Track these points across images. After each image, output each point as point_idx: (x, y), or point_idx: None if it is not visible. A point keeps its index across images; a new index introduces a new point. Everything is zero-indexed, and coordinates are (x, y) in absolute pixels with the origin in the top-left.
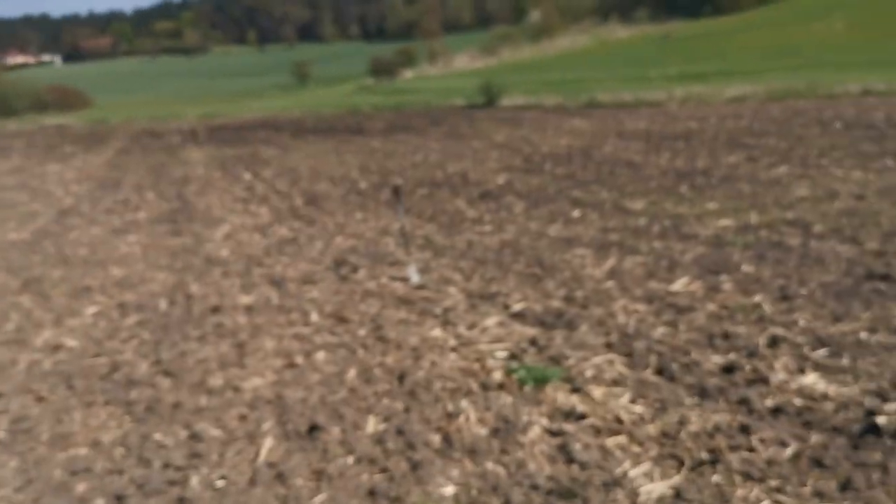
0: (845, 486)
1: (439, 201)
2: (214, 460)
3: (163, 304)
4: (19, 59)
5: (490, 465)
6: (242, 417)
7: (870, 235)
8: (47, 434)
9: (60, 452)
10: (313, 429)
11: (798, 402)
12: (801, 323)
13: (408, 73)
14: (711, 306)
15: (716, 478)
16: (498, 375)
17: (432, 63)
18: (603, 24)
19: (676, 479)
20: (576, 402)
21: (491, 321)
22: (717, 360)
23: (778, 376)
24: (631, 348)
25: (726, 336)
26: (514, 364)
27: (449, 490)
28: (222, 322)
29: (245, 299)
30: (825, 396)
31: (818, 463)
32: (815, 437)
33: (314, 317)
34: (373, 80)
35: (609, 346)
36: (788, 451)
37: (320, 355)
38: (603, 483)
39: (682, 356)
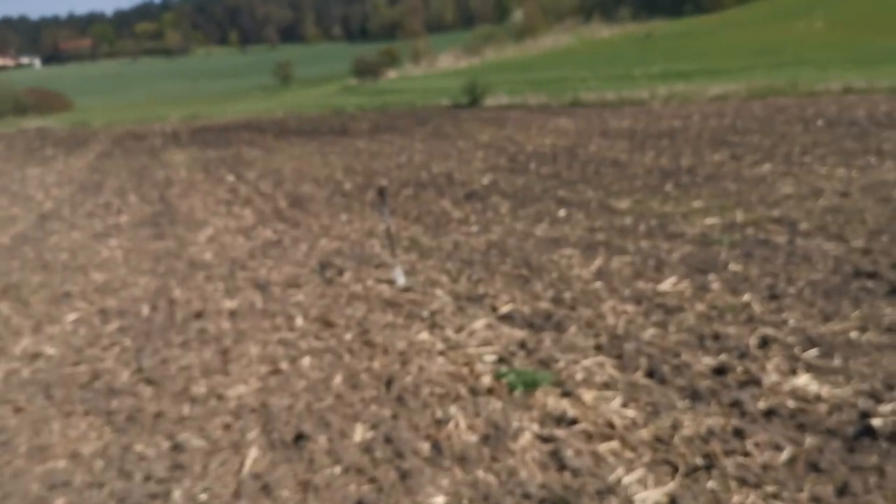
0: (842, 490)
1: (425, 202)
2: (197, 472)
3: (145, 310)
4: None
5: (481, 474)
6: (226, 427)
7: (855, 233)
8: (25, 446)
9: (38, 465)
10: (299, 438)
11: (791, 403)
12: (791, 323)
13: (391, 74)
14: (700, 306)
15: (711, 484)
16: (487, 380)
17: (416, 63)
18: (586, 23)
19: (671, 486)
20: (566, 407)
21: (479, 324)
22: (707, 361)
23: (770, 378)
24: (621, 350)
25: (716, 337)
26: (504, 368)
27: (439, 500)
28: (206, 328)
29: (229, 304)
30: (818, 398)
31: (814, 467)
32: (809, 440)
33: (299, 321)
34: (356, 80)
35: (599, 349)
36: (784, 456)
37: (306, 361)
38: (596, 491)
39: (672, 358)
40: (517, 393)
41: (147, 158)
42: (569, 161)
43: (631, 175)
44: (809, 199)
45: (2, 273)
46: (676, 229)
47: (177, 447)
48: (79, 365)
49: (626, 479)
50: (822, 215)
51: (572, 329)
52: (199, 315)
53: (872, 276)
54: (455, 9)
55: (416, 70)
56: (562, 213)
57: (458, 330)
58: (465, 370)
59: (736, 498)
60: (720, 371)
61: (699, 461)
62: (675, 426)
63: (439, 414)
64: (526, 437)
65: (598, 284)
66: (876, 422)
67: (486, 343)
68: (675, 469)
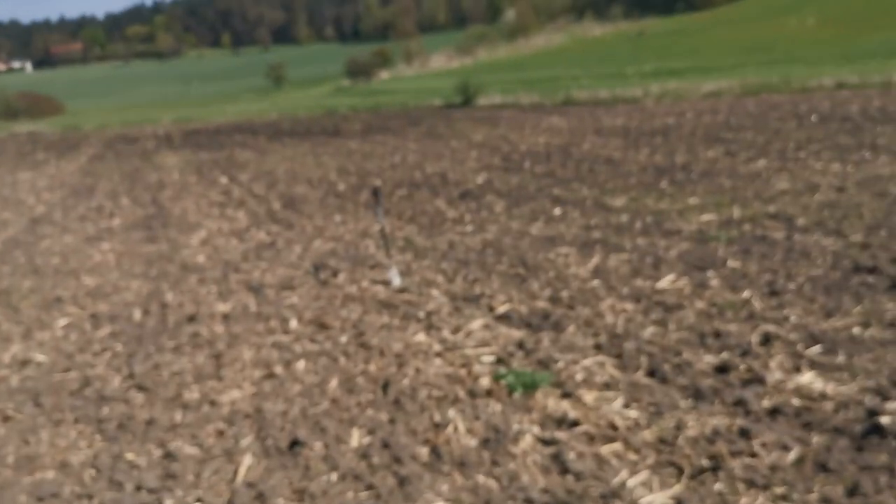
0: (853, 491)
1: (419, 202)
2: (190, 481)
3: (137, 314)
4: None
5: (481, 479)
6: (220, 433)
7: (853, 227)
8: (13, 456)
9: (26, 476)
10: (294, 444)
11: (796, 402)
12: (793, 319)
13: (384, 74)
14: (700, 304)
15: (718, 486)
16: (485, 382)
17: (409, 63)
18: (578, 22)
19: (677, 489)
20: (567, 408)
21: (476, 324)
22: (709, 359)
23: (774, 376)
24: (621, 349)
25: (717, 334)
26: (502, 369)
27: None
28: (198, 331)
29: (222, 307)
30: (824, 396)
31: (823, 467)
32: (816, 440)
33: (293, 324)
34: (349, 81)
35: (598, 348)
36: (791, 456)
37: (300, 364)
38: (600, 495)
39: (673, 356)
40: (517, 394)
41: (139, 161)
42: (563, 159)
43: (625, 173)
44: (805, 194)
45: None
46: (673, 226)
47: (169, 455)
48: (69, 371)
49: (631, 482)
50: (819, 210)
51: (571, 328)
52: (191, 319)
53: (872, 270)
54: (447, 9)
55: (408, 70)
56: (557, 211)
57: (455, 331)
58: (462, 372)
59: (744, 500)
60: (723, 369)
61: (705, 462)
62: (679, 427)
63: (437, 417)
64: (527, 440)
65: (595, 283)
66: (884, 419)
67: (484, 344)
68: (681, 471)
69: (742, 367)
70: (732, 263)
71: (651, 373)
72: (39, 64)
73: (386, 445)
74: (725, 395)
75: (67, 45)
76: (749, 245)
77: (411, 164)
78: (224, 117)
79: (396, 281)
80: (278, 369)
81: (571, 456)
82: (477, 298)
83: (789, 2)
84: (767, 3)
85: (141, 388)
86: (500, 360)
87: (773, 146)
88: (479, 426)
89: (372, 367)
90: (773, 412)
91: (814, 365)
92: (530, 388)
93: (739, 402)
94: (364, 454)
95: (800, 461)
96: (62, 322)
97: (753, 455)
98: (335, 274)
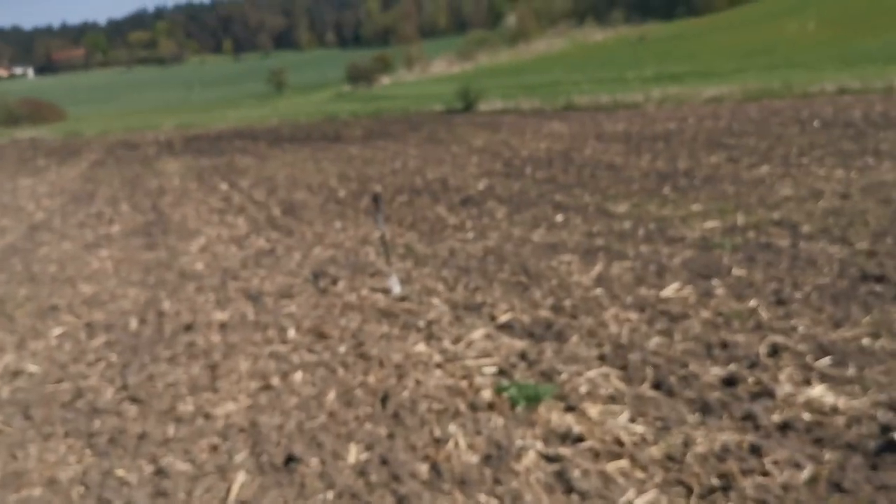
0: None
1: (420, 208)
2: (181, 499)
3: (133, 323)
4: None
5: (483, 498)
6: (213, 448)
7: (859, 235)
8: None
9: (12, 494)
10: (290, 460)
11: (807, 416)
12: (801, 329)
13: (385, 80)
14: (705, 313)
15: None
16: (487, 394)
17: (409, 69)
18: (578, 27)
19: None
20: (571, 423)
21: (477, 334)
22: (716, 371)
23: (783, 389)
24: (625, 361)
25: (724, 345)
26: (504, 381)
27: None
28: (195, 341)
29: (219, 315)
30: (835, 410)
31: (837, 486)
32: (829, 457)
33: (291, 333)
34: (350, 86)
35: (602, 359)
36: (804, 474)
37: (298, 376)
38: None
39: (679, 368)
40: (519, 408)
41: (140, 167)
42: (564, 165)
43: (627, 178)
44: (809, 200)
45: None
46: (676, 233)
47: (160, 472)
48: (61, 382)
49: (638, 502)
50: (824, 217)
51: (574, 339)
52: (188, 328)
53: (880, 279)
54: (448, 14)
55: (409, 76)
56: (559, 217)
57: (456, 341)
58: (463, 384)
59: None
60: (730, 382)
61: (715, 482)
62: (687, 443)
63: (438, 432)
64: (530, 457)
65: (598, 291)
66: None
67: (486, 354)
68: (690, 490)
69: (750, 379)
70: (737, 271)
71: (657, 385)
72: (41, 70)
73: (384, 462)
74: (734, 409)
75: (69, 52)
76: (754, 252)
77: (412, 170)
78: (225, 123)
79: (396, 289)
80: (275, 381)
81: (576, 474)
82: (478, 307)
83: (789, 6)
84: (767, 7)
85: (134, 399)
86: (502, 372)
87: (776, 152)
88: (480, 441)
89: (371, 379)
90: (784, 427)
91: (824, 377)
92: (533, 401)
93: (748, 417)
94: (362, 471)
95: (813, 480)
96: (57, 331)
97: (765, 474)
98: (335, 282)
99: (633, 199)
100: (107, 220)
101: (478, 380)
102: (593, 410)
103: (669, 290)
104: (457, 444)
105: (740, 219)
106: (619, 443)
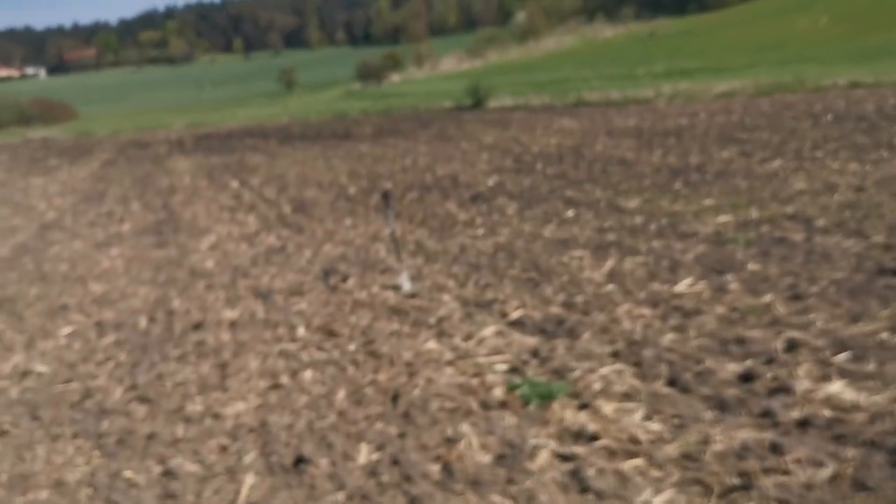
0: None
1: (430, 205)
2: (190, 501)
3: (142, 322)
4: (3, 72)
5: (496, 498)
6: (222, 449)
7: (875, 228)
8: (6, 474)
9: (19, 496)
10: (299, 461)
11: (827, 413)
12: (818, 324)
13: (395, 77)
14: (720, 308)
15: None
16: (499, 392)
17: (419, 66)
18: (588, 23)
19: None
20: (585, 421)
21: (488, 331)
22: (732, 368)
23: (802, 385)
24: (639, 357)
25: (740, 341)
26: (516, 379)
27: None
28: (204, 339)
29: (229, 314)
30: (855, 406)
31: (861, 485)
32: (851, 454)
33: (301, 331)
34: (360, 84)
35: (616, 356)
36: (826, 472)
37: (307, 374)
38: None
39: (694, 364)
40: (532, 406)
41: (151, 166)
42: (575, 161)
43: (639, 174)
44: (824, 194)
45: None
46: (689, 228)
47: (168, 473)
48: (70, 382)
49: (656, 502)
50: (839, 211)
51: (586, 335)
52: (197, 326)
53: None
54: (458, 12)
55: (419, 73)
56: (570, 213)
57: (467, 338)
58: (475, 381)
59: None
60: (747, 378)
61: (735, 481)
62: (705, 441)
63: (449, 432)
64: (543, 456)
65: (610, 287)
66: None
67: (497, 351)
68: (709, 490)
69: (768, 375)
70: (752, 266)
71: (672, 382)
72: (53, 70)
73: (395, 462)
74: (752, 406)
75: (81, 52)
76: (768, 247)
77: (422, 167)
78: (236, 122)
79: (407, 286)
80: (284, 379)
81: (591, 473)
82: (489, 304)
83: (800, 1)
84: (779, 2)
85: (143, 399)
86: (513, 369)
87: (789, 146)
88: (493, 441)
89: (381, 377)
90: (803, 424)
91: (843, 373)
92: (546, 398)
93: (767, 414)
94: (372, 471)
95: (835, 478)
96: (66, 330)
97: (786, 472)
98: (345, 279)
99: (645, 194)
100: (117, 218)
101: (489, 377)
102: (607, 408)
103: (683, 286)
104: (469, 444)
105: (754, 213)
106: (635, 441)
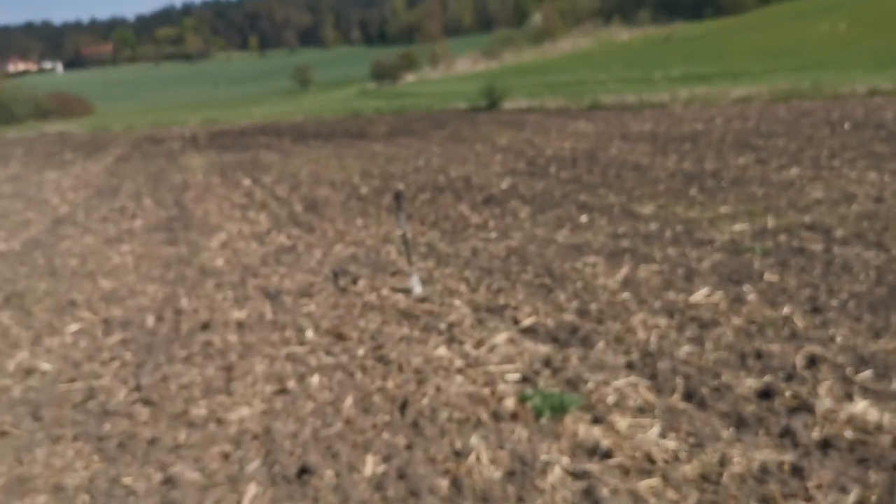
0: None
1: (442, 206)
2: None
3: (150, 321)
4: (21, 66)
5: None
6: (225, 456)
7: (895, 241)
8: (4, 477)
9: (16, 500)
10: (303, 471)
11: (849, 434)
12: (839, 340)
13: (409, 77)
14: (737, 320)
15: None
16: (510, 403)
17: (434, 66)
18: (605, 26)
19: None
20: (599, 436)
21: (500, 338)
22: (751, 383)
23: (823, 404)
24: (655, 369)
25: (758, 355)
26: (528, 389)
27: None
28: (211, 340)
29: (237, 314)
30: (879, 428)
31: None
32: (876, 479)
33: (310, 334)
34: (374, 84)
35: (630, 367)
36: (851, 499)
37: (315, 379)
38: None
39: (711, 379)
40: (544, 419)
41: (165, 162)
42: (589, 165)
43: (653, 179)
44: (842, 204)
45: (8, 280)
46: (704, 236)
47: (169, 480)
48: (74, 382)
49: None
50: (858, 221)
51: (600, 344)
52: (205, 326)
53: None
54: (473, 12)
55: (433, 73)
56: (583, 218)
57: (478, 345)
58: (486, 391)
59: None
60: (766, 394)
61: None
62: (723, 461)
63: (459, 444)
64: (556, 473)
65: (625, 295)
66: None
67: (509, 360)
68: None
69: (787, 392)
70: (769, 277)
71: (688, 396)
72: (70, 65)
73: (402, 476)
74: (771, 425)
75: (98, 47)
76: (786, 257)
77: (435, 168)
78: (250, 119)
79: (418, 289)
80: (291, 384)
81: (605, 492)
82: (501, 310)
83: (819, 6)
84: (797, 7)
85: (147, 402)
86: (525, 379)
87: (806, 154)
88: (503, 455)
89: (390, 384)
90: (825, 445)
91: (866, 392)
92: (558, 411)
93: (787, 433)
94: (378, 485)
95: None
96: (73, 328)
97: (809, 499)
98: (355, 281)
99: (660, 199)
100: (129, 214)
101: (500, 387)
102: (622, 423)
103: (699, 296)
104: (478, 458)
105: (770, 222)
106: (650, 459)
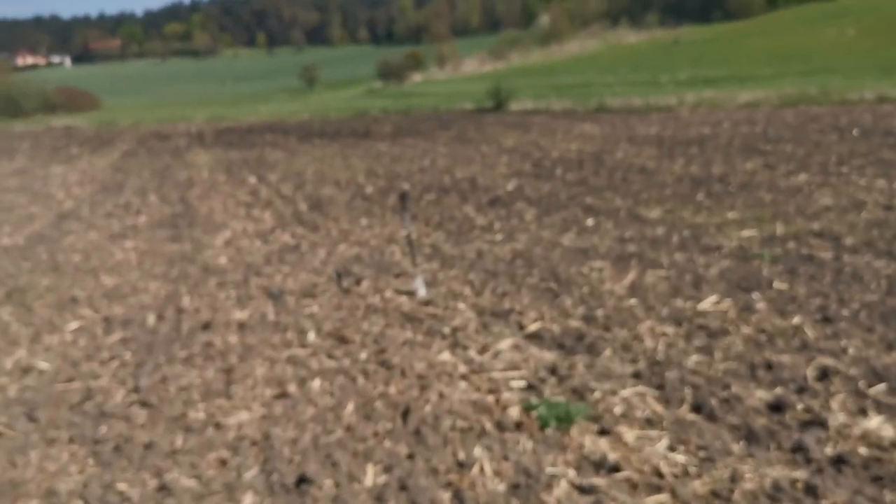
0: None
1: (447, 208)
2: None
3: (151, 320)
4: (29, 60)
5: None
6: (222, 463)
7: None
8: None
9: None
10: (302, 481)
11: (863, 451)
12: (851, 351)
13: (416, 77)
14: (746, 329)
15: None
16: (515, 412)
17: (441, 67)
18: (612, 28)
19: None
20: (606, 449)
21: (505, 343)
22: (761, 395)
23: (836, 419)
24: (663, 379)
25: (769, 366)
26: (533, 398)
27: None
28: (212, 341)
29: (239, 314)
30: (894, 445)
31: None
32: (891, 498)
33: (312, 336)
34: (381, 83)
35: (637, 376)
36: None
37: (316, 384)
38: None
39: (721, 390)
40: (549, 430)
41: (170, 158)
42: (595, 167)
43: (660, 183)
44: (851, 211)
45: (10, 275)
46: (712, 242)
47: (164, 488)
48: (72, 382)
49: None
50: (868, 229)
51: (607, 352)
52: (206, 326)
53: None
54: (481, 13)
55: (440, 74)
56: (590, 221)
57: (482, 350)
58: (490, 399)
59: None
60: (777, 407)
61: None
62: (734, 477)
63: (462, 455)
64: (562, 487)
65: (632, 301)
66: None
67: (514, 366)
68: None
69: (799, 406)
70: (779, 285)
71: (697, 408)
72: (78, 59)
73: (403, 487)
74: (783, 440)
75: (106, 42)
76: (795, 265)
77: (441, 169)
78: (256, 117)
79: (422, 291)
80: (292, 388)
81: None
82: (506, 314)
83: (828, 12)
84: (806, 12)
85: (144, 404)
86: (530, 387)
87: (814, 160)
88: (507, 467)
89: (392, 390)
90: (838, 462)
91: (880, 407)
92: (564, 421)
93: (799, 448)
94: (378, 496)
95: None
96: (73, 325)
97: None
98: (358, 282)
99: (667, 204)
100: (134, 210)
101: (505, 395)
102: (629, 435)
103: (707, 303)
104: (482, 470)
105: (779, 228)
106: (659, 474)
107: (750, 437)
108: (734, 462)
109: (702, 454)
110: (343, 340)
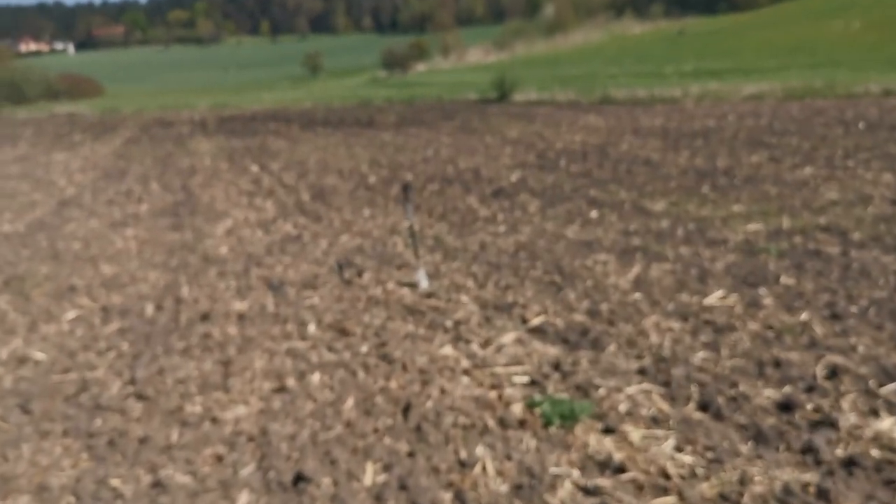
0: None
1: (450, 198)
2: None
3: (149, 309)
4: (33, 46)
5: None
6: (218, 459)
7: None
8: None
9: None
10: (299, 479)
11: (875, 453)
12: (860, 349)
13: (420, 66)
14: (753, 325)
15: None
16: (518, 409)
17: (445, 56)
18: (617, 19)
19: None
20: (611, 448)
21: (508, 337)
22: (770, 394)
23: (847, 419)
24: (668, 376)
25: (777, 363)
26: (537, 395)
27: None
28: (210, 332)
29: (238, 305)
30: None
31: None
32: None
33: (312, 328)
34: (385, 72)
35: (643, 373)
36: None
37: (315, 377)
38: None
39: (728, 388)
40: (553, 428)
41: (173, 146)
42: (600, 159)
43: (665, 175)
44: (858, 205)
45: (10, 262)
46: (717, 235)
47: (158, 484)
48: (68, 373)
49: None
50: (875, 224)
51: (611, 347)
52: (205, 317)
53: None
54: (485, 2)
55: (444, 63)
56: (594, 213)
57: (485, 344)
58: (492, 395)
59: None
60: (786, 407)
61: None
62: (743, 480)
63: (463, 453)
64: (566, 488)
65: (637, 295)
66: None
67: (517, 361)
68: None
69: (809, 405)
70: (786, 280)
71: (704, 407)
72: (81, 46)
73: (403, 486)
74: (792, 440)
75: (109, 28)
76: (802, 260)
77: (444, 159)
78: (260, 105)
79: (424, 283)
80: (290, 382)
81: None
82: (509, 307)
83: (834, 4)
84: (811, 5)
85: (140, 396)
86: (533, 382)
87: (820, 153)
88: (510, 467)
89: (393, 384)
90: (849, 463)
91: (891, 407)
92: (568, 419)
93: (809, 450)
94: (378, 496)
95: None
96: (71, 315)
97: None
98: (360, 273)
99: (671, 196)
100: (136, 198)
101: (508, 391)
102: (635, 434)
103: (713, 298)
104: (484, 469)
105: (785, 222)
106: (665, 475)
107: (758, 437)
108: (743, 463)
109: (709, 455)
110: (344, 333)
